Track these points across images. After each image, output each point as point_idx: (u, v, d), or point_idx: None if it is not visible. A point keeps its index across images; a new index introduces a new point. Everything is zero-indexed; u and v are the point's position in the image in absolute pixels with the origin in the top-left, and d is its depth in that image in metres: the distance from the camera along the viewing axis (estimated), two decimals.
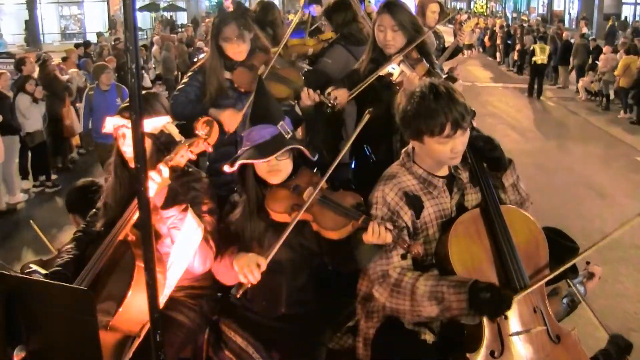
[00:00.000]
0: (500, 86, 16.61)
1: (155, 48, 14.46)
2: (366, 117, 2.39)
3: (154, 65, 14.36)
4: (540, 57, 15.28)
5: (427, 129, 2.10)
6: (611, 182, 8.66)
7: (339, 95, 2.86)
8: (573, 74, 16.05)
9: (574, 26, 27.13)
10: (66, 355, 1.62)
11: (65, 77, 8.70)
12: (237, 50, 3.13)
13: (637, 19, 25.10)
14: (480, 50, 24.18)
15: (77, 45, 12.40)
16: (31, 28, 23.42)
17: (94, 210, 2.53)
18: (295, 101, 3.10)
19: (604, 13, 26.80)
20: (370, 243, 2.11)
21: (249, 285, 2.18)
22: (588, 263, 2.61)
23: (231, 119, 3.00)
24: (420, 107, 2.10)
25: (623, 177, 8.91)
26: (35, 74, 8.17)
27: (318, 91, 2.85)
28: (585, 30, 21.09)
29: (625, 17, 25.09)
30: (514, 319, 2.08)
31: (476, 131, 2.32)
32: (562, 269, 2.14)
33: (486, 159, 2.29)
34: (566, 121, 13.11)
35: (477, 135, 2.30)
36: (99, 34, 18.71)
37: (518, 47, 18.88)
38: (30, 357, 1.63)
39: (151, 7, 33.02)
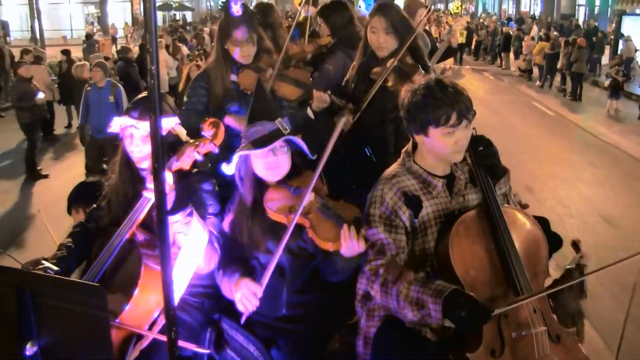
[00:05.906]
0: (460, 67, 22.28)
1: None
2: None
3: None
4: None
5: (433, 119, 2.11)
6: (510, 111, 14.28)
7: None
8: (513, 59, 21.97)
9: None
10: (78, 350, 1.62)
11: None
12: (247, 53, 3.12)
13: (586, 18, 30.68)
14: None
15: (174, 31, 17.59)
16: (102, 21, 28.80)
17: (95, 206, 2.56)
18: (306, 104, 3.07)
19: (561, 13, 32.54)
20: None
21: (248, 313, 2.21)
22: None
23: None
24: (426, 98, 2.12)
25: (519, 110, 14.54)
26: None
27: (329, 92, 2.97)
28: (535, 28, 26.77)
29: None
30: (514, 319, 2.04)
31: (475, 132, 2.28)
32: (566, 285, 2.19)
33: (484, 165, 2.26)
34: (497, 86, 18.81)
35: (479, 137, 2.28)
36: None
37: (475, 38, 24.73)
38: (42, 352, 1.61)
39: (164, 7, 36.83)
